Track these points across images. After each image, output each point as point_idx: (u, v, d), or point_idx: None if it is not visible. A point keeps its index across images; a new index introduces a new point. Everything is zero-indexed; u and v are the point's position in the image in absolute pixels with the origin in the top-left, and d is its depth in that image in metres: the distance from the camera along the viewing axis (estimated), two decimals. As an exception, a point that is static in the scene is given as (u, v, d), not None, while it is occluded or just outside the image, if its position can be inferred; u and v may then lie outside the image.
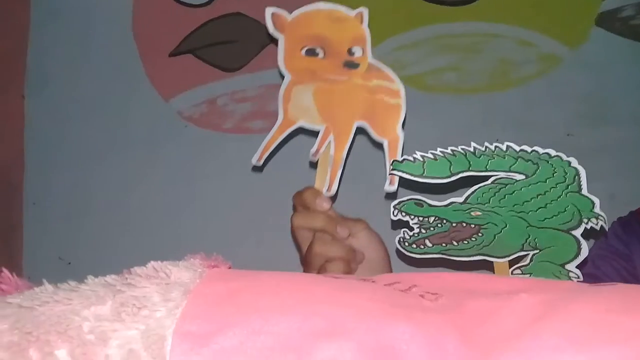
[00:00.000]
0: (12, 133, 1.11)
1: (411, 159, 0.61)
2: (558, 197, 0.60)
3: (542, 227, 0.60)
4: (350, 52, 0.66)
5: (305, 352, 0.29)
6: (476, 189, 0.61)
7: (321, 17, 0.66)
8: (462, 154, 0.60)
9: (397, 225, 0.63)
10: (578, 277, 0.61)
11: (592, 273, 0.79)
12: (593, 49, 1.07)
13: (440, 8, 1.08)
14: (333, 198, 0.66)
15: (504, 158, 0.60)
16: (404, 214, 0.62)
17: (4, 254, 1.09)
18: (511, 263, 0.62)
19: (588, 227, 0.60)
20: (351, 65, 0.66)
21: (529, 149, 0.60)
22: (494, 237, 0.61)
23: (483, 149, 0.60)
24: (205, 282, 0.33)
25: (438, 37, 1.08)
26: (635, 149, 1.06)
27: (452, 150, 0.61)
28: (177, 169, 1.10)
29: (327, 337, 0.30)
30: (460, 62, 1.08)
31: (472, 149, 0.60)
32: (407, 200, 0.62)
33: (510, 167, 0.60)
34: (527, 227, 0.61)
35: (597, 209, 0.59)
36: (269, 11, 0.66)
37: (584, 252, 0.60)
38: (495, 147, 0.60)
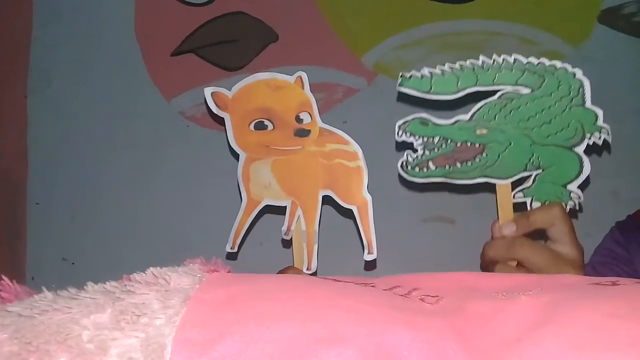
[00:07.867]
0: (15, 133, 1.11)
1: (418, 74, 0.60)
2: (562, 112, 0.60)
3: (546, 145, 0.60)
4: (298, 119, 0.65)
5: (305, 359, 0.29)
6: (482, 105, 0.60)
7: (261, 88, 0.65)
8: (470, 68, 0.60)
9: (402, 147, 0.62)
10: (579, 198, 0.61)
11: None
12: (595, 46, 1.06)
13: (442, 6, 1.08)
14: (314, 273, 0.65)
15: (512, 71, 0.60)
16: (408, 134, 0.61)
17: (7, 255, 1.10)
18: (513, 186, 0.62)
19: (590, 142, 0.60)
20: (302, 133, 0.64)
21: (535, 61, 0.59)
22: (498, 157, 0.61)
23: (491, 62, 0.60)
24: (204, 288, 0.33)
25: (440, 36, 1.07)
26: (639, 146, 1.05)
27: (460, 64, 0.60)
28: (180, 168, 1.10)
29: (327, 344, 0.30)
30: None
31: (480, 63, 0.60)
32: (412, 119, 0.61)
33: (517, 80, 0.60)
34: (531, 144, 0.60)
35: (600, 122, 0.59)
36: (208, 91, 0.64)
37: (586, 170, 0.60)
38: (503, 59, 0.60)
